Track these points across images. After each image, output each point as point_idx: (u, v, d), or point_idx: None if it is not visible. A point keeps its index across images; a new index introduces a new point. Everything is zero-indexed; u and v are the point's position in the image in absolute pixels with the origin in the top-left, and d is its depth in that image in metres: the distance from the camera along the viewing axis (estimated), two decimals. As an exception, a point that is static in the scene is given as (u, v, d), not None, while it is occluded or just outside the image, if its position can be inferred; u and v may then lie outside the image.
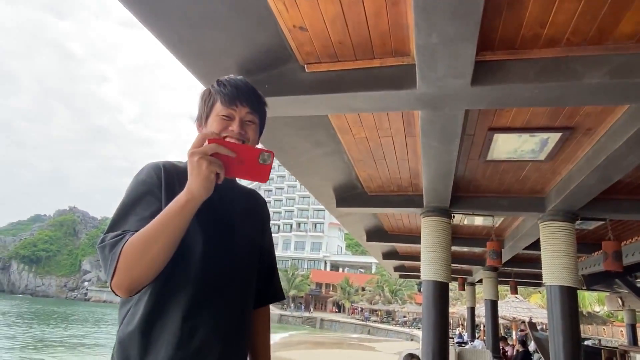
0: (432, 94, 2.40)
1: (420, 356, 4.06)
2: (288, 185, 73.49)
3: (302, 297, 54.35)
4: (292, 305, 52.54)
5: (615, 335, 19.11)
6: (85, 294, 65.85)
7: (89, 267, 71.14)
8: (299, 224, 68.51)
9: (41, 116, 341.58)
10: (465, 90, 2.33)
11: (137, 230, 1.04)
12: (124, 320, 1.16)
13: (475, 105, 2.57)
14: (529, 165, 4.07)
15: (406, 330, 37.73)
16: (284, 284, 52.66)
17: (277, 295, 1.48)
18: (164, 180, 1.16)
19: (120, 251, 1.01)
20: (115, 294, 1.04)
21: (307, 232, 68.05)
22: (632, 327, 12.90)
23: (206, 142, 1.04)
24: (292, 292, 52.34)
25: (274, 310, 49.38)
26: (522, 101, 2.51)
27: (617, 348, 9.38)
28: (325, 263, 66.00)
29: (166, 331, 1.10)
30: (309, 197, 67.93)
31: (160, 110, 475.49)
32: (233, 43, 2.33)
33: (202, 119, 1.27)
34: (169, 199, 1.06)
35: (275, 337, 28.34)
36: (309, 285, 55.02)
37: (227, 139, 1.16)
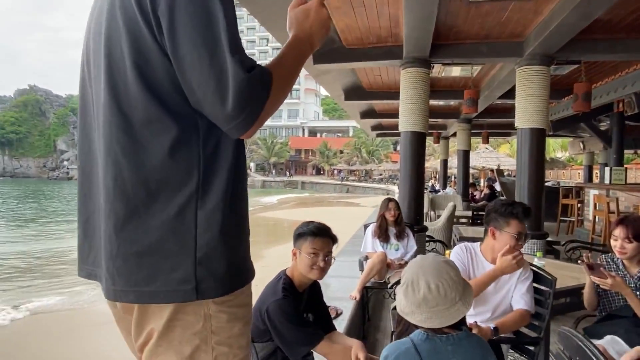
0: None
1: (397, 200, 4.42)
2: (259, 37, 69.88)
3: (282, 163, 56.31)
4: (273, 171, 54.65)
5: (573, 178, 20.92)
6: (67, 173, 66.32)
7: (65, 147, 70.28)
8: (274, 92, 67.03)
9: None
10: None
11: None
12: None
13: None
14: (511, 5, 3.93)
15: (382, 186, 40.35)
16: (263, 152, 53.81)
17: None
18: None
19: (271, 83, 0.91)
20: (235, 134, 0.92)
21: (284, 99, 67.12)
22: (589, 168, 14.07)
23: None
24: (272, 159, 54.03)
25: (257, 176, 51.45)
26: None
27: (574, 186, 10.36)
28: (303, 129, 66.72)
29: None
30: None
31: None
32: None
33: None
34: None
35: (261, 201, 30.10)
36: (289, 152, 56.57)
37: None
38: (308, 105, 69.01)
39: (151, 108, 0.89)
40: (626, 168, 8.45)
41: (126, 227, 0.90)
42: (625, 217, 2.43)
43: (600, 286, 2.31)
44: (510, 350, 2.44)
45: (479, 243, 2.33)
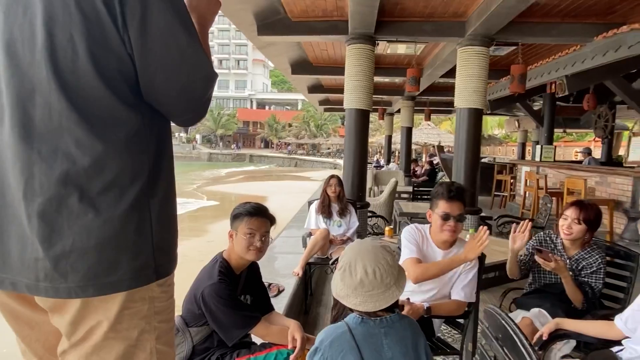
0: None
1: (341, 177, 4.44)
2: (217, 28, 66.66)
3: (230, 135, 54.97)
4: (220, 144, 53.29)
5: (508, 154, 22.21)
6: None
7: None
8: (220, 61, 64.66)
9: None
10: None
11: None
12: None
13: None
14: (455, -15, 3.96)
15: (330, 160, 40.70)
16: (210, 124, 52.21)
17: None
18: None
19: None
20: (188, 124, 1.07)
21: (230, 69, 64.90)
22: (523, 145, 14.94)
23: None
24: (219, 131, 52.55)
25: (203, 149, 50.00)
26: None
27: (507, 163, 10.97)
28: (251, 101, 65.22)
29: None
30: (228, 31, 62.86)
31: None
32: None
33: None
34: None
35: (208, 174, 29.38)
36: (236, 124, 55.23)
37: None
38: (256, 76, 67.32)
39: (106, 98, 0.88)
40: (555, 146, 9.04)
41: (80, 221, 0.87)
42: (580, 201, 2.52)
43: (542, 265, 2.41)
44: (442, 324, 2.57)
45: (428, 225, 2.38)
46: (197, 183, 23.16)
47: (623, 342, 1.81)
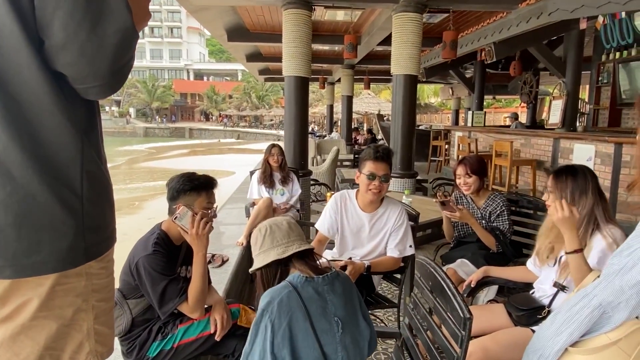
0: None
1: (282, 146, 4.43)
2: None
3: (166, 108, 52.41)
4: (157, 117, 50.75)
5: (444, 121, 23.12)
6: None
7: None
8: (152, 29, 60.73)
9: None
10: None
11: None
12: None
13: None
14: (388, -51, 3.96)
15: (273, 132, 40.26)
16: (144, 96, 49.23)
17: None
18: None
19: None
20: (103, 95, 0.87)
21: (163, 38, 61.19)
22: (457, 112, 15.62)
23: None
24: (155, 104, 49.91)
25: (138, 123, 47.42)
26: None
27: (442, 129, 11.46)
28: (188, 72, 62.22)
29: None
30: (159, -4, 58.98)
31: None
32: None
33: None
34: None
35: (145, 149, 28.01)
36: (173, 96, 52.68)
37: None
38: (192, 45, 64.08)
39: (40, 71, 0.79)
40: (485, 112, 9.54)
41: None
42: (464, 157, 2.79)
43: (452, 219, 2.64)
44: (381, 280, 2.71)
45: (355, 190, 2.45)
46: (133, 159, 22.07)
47: (533, 284, 2.02)
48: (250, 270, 1.45)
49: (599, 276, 1.17)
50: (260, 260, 1.40)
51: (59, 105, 0.82)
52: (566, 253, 1.65)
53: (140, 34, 0.89)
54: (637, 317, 1.09)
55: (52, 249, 0.84)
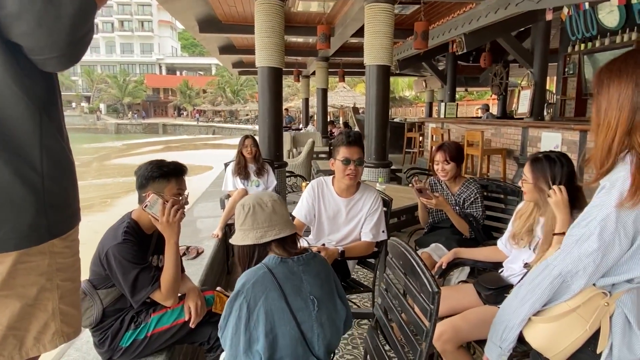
0: None
1: (257, 138, 4.40)
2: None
3: (139, 104, 51.21)
4: (130, 113, 49.53)
5: (418, 114, 23.39)
6: None
7: None
8: (122, 22, 59.03)
9: None
10: None
11: None
12: None
13: None
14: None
15: (249, 127, 39.90)
16: (115, 92, 47.85)
17: None
18: None
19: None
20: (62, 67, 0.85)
21: (134, 31, 59.60)
22: (430, 105, 15.83)
23: None
24: (126, 100, 48.67)
25: (109, 119, 46.17)
26: None
27: (416, 121, 11.60)
28: (160, 66, 60.85)
29: None
30: (128, -11, 57.29)
31: None
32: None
33: None
34: None
35: (117, 145, 27.31)
36: (145, 92, 51.49)
37: None
38: (164, 39, 62.64)
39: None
40: (457, 104, 9.72)
41: None
42: (442, 144, 2.84)
43: (427, 206, 2.69)
44: (356, 265, 2.74)
45: (331, 177, 2.47)
46: (104, 155, 21.50)
47: (503, 263, 2.09)
48: (230, 240, 1.45)
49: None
50: (239, 237, 1.41)
51: (15, 77, 0.80)
52: (556, 234, 1.70)
53: (110, 27, 0.89)
54: (594, 285, 1.14)
55: (13, 226, 0.82)
